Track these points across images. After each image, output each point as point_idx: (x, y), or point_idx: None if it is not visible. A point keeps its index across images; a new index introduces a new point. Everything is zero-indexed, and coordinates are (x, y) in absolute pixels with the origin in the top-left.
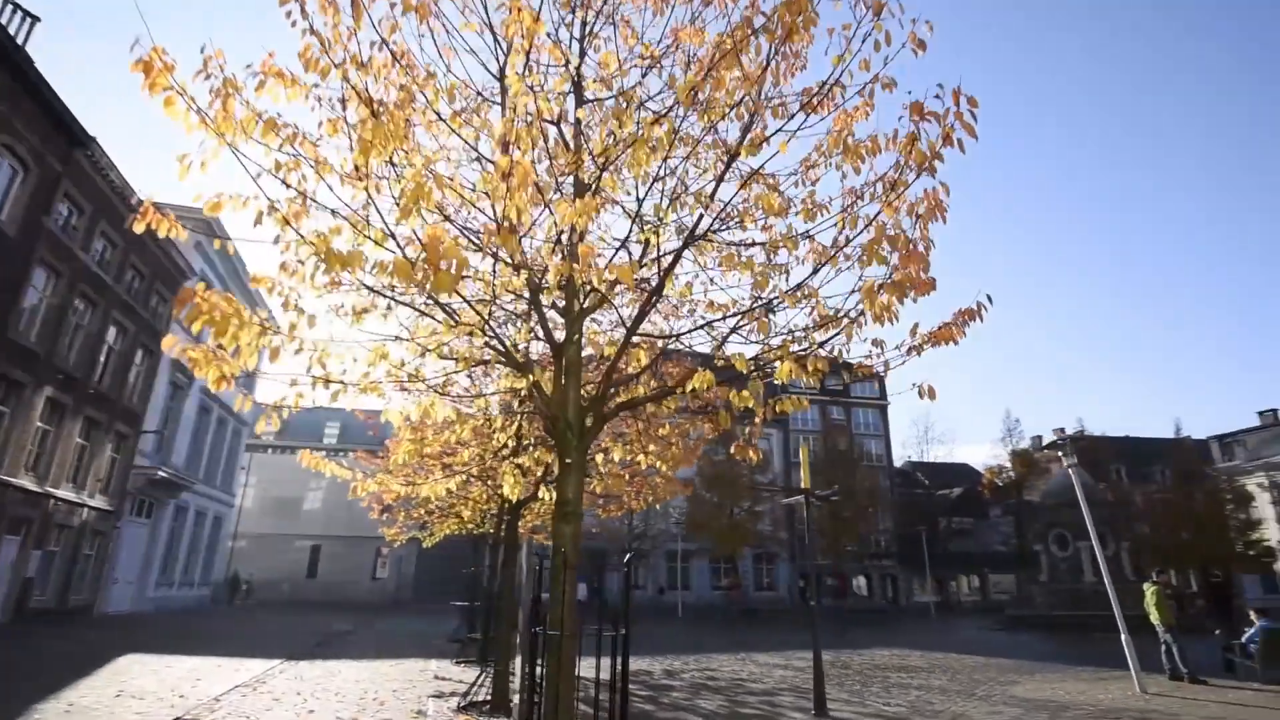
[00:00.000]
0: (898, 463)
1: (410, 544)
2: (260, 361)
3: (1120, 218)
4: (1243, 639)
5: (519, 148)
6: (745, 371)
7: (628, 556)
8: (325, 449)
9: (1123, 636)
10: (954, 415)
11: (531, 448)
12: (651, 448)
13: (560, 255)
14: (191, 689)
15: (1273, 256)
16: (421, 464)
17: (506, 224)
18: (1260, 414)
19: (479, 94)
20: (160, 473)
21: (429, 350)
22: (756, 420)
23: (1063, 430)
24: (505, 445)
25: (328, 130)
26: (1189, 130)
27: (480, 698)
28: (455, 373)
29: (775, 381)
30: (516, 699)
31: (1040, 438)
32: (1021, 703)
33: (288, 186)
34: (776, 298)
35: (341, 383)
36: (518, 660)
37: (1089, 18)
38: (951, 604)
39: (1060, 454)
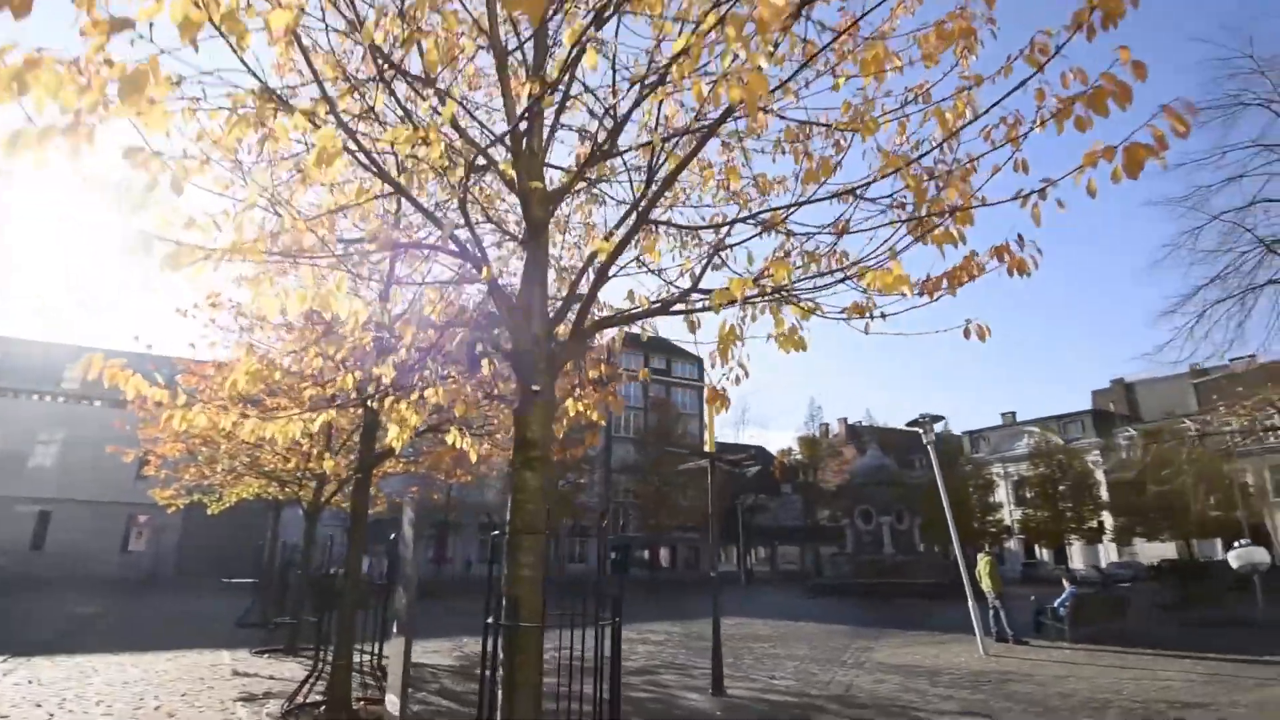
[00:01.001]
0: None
1: (177, 512)
2: None
3: None
4: (1054, 603)
5: None
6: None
7: (604, 521)
8: (65, 395)
9: (970, 603)
10: (770, 401)
11: (441, 378)
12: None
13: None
14: None
15: (1011, 282)
16: (273, 389)
17: None
18: (1002, 414)
19: None
20: None
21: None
22: (642, 373)
23: (845, 420)
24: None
25: None
26: None
27: (310, 699)
28: (368, 250)
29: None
30: (364, 703)
31: (827, 426)
32: (894, 669)
33: None
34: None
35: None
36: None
37: None
38: (751, 575)
39: (921, 431)
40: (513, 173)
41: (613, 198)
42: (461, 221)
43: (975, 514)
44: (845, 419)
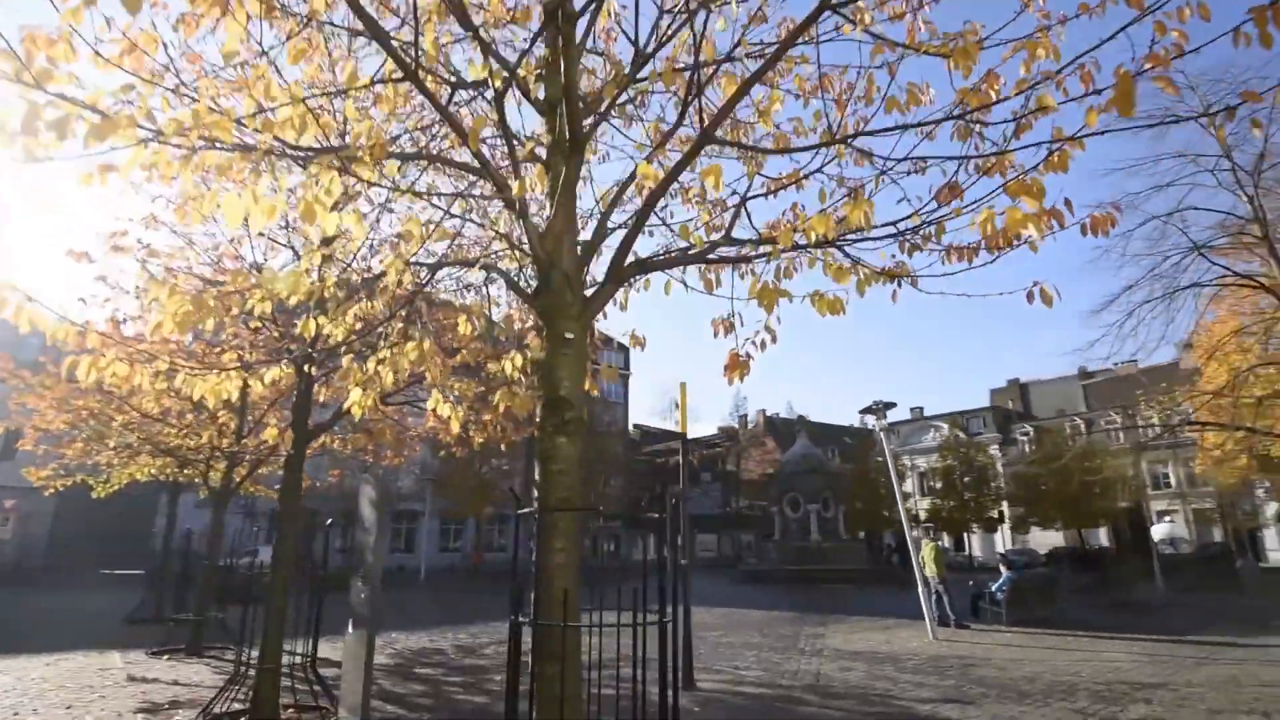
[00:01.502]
0: (633, 433)
1: (53, 495)
2: None
3: None
4: (992, 588)
5: None
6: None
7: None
8: None
9: (920, 589)
10: (697, 392)
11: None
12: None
13: None
14: None
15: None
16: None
17: None
18: (911, 409)
19: None
20: None
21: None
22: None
23: (764, 411)
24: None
25: None
26: None
27: (229, 708)
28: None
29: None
30: (294, 710)
31: (746, 417)
32: (854, 655)
33: None
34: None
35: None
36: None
37: None
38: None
39: (875, 419)
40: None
41: (660, 119)
42: (495, 120)
43: (887, 502)
44: (764, 410)
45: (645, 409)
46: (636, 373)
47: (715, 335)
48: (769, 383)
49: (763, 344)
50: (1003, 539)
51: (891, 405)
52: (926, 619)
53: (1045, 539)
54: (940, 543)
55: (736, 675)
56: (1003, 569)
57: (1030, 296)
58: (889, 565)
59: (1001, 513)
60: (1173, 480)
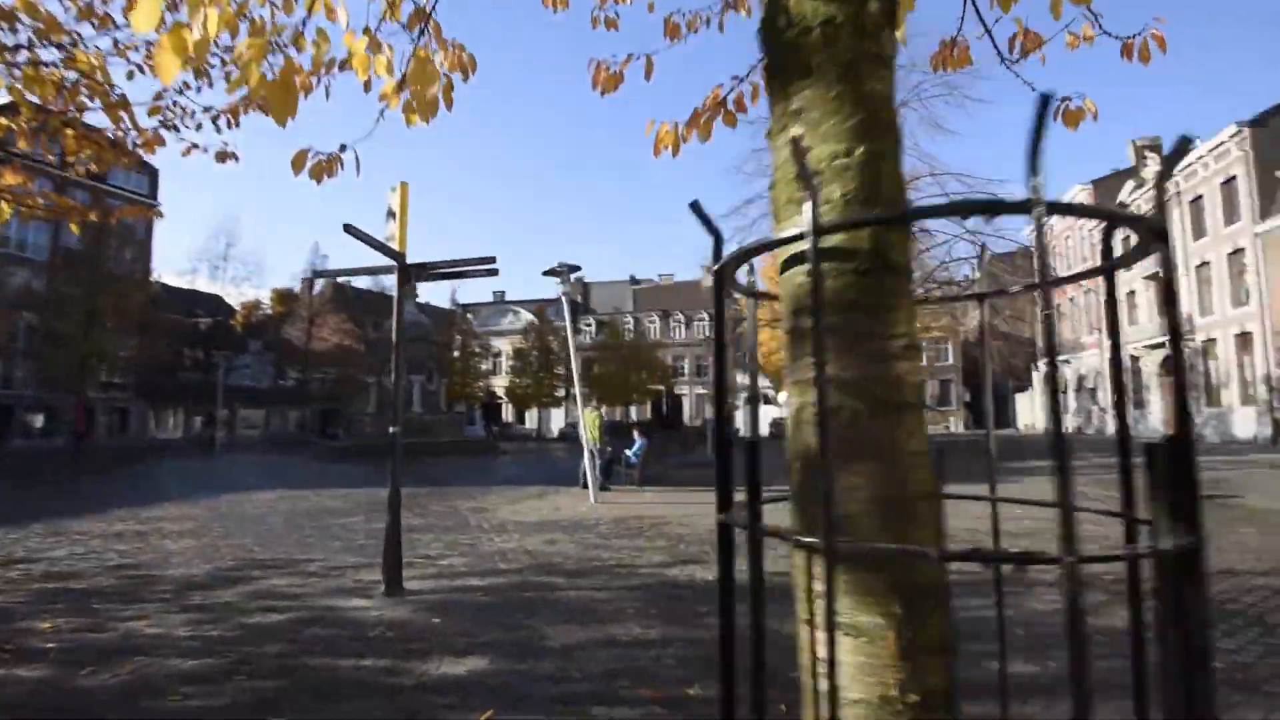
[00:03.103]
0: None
1: None
2: None
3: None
4: (628, 452)
5: None
6: None
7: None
8: None
9: (586, 465)
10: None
11: None
12: None
13: None
14: None
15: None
16: None
17: None
18: (494, 293)
19: None
20: None
21: None
22: None
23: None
24: None
25: None
26: None
27: None
28: None
29: None
30: None
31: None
32: (539, 527)
33: None
34: None
35: None
36: None
37: None
38: (203, 440)
39: (559, 279)
40: None
41: None
42: None
43: (470, 377)
44: (337, 277)
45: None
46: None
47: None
48: (345, 251)
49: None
50: (564, 414)
51: (576, 268)
52: (590, 484)
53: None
54: (600, 410)
55: (441, 568)
56: (636, 435)
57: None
58: (488, 436)
59: (569, 391)
60: (687, 369)
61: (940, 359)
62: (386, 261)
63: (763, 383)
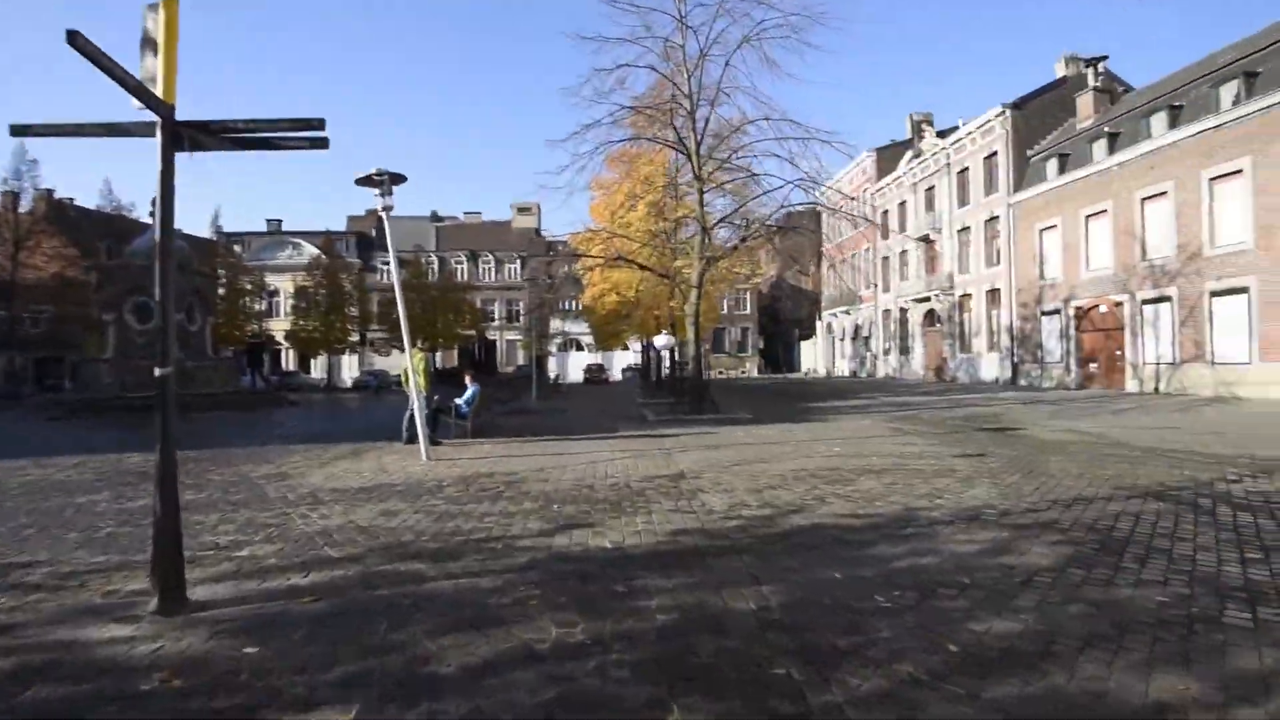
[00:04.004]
0: None
1: None
2: None
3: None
4: (459, 401)
5: None
6: None
7: None
8: None
9: (417, 416)
10: None
11: None
12: None
13: None
14: None
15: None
16: None
17: None
18: (268, 221)
19: None
20: None
21: None
22: None
23: (52, 191)
24: None
25: None
26: None
27: None
28: None
29: None
30: None
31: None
32: (365, 494)
33: None
34: None
35: None
36: None
37: None
38: None
39: (377, 190)
40: None
41: None
42: None
43: (242, 319)
44: (53, 190)
45: None
46: None
47: None
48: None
49: None
50: (353, 362)
51: (400, 178)
52: (421, 439)
53: (398, 361)
54: (428, 352)
55: (240, 561)
56: (468, 382)
57: None
58: (256, 387)
59: (364, 335)
60: (499, 313)
61: (739, 308)
62: (142, 115)
63: (579, 329)
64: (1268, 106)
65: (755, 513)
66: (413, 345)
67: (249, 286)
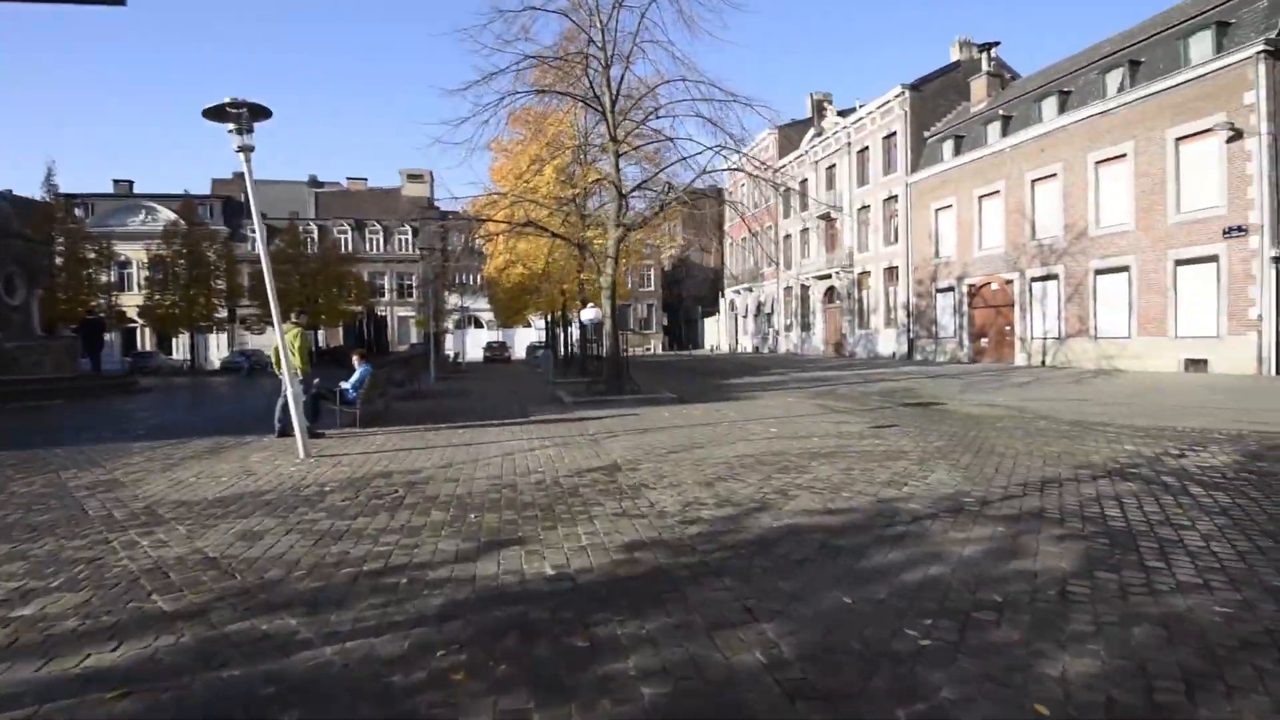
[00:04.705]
0: None
1: None
2: None
3: None
4: (345, 385)
5: None
6: None
7: None
8: None
9: (291, 403)
10: None
11: None
12: None
13: None
14: None
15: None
16: None
17: None
18: (115, 182)
19: None
20: None
21: None
22: None
23: None
24: None
25: None
26: None
27: None
28: None
29: None
30: None
31: None
32: (221, 507)
33: None
34: None
35: None
36: None
37: None
38: None
39: (233, 126)
40: None
41: None
42: None
43: (85, 292)
44: None
45: None
46: None
47: None
48: None
49: None
50: (219, 341)
51: (263, 111)
52: (298, 430)
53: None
54: (303, 326)
55: (21, 626)
56: (357, 363)
57: None
58: (93, 370)
59: (234, 311)
60: (388, 287)
61: (644, 285)
62: None
63: (479, 305)
64: (1149, 94)
65: (715, 513)
66: (285, 320)
67: (93, 256)
